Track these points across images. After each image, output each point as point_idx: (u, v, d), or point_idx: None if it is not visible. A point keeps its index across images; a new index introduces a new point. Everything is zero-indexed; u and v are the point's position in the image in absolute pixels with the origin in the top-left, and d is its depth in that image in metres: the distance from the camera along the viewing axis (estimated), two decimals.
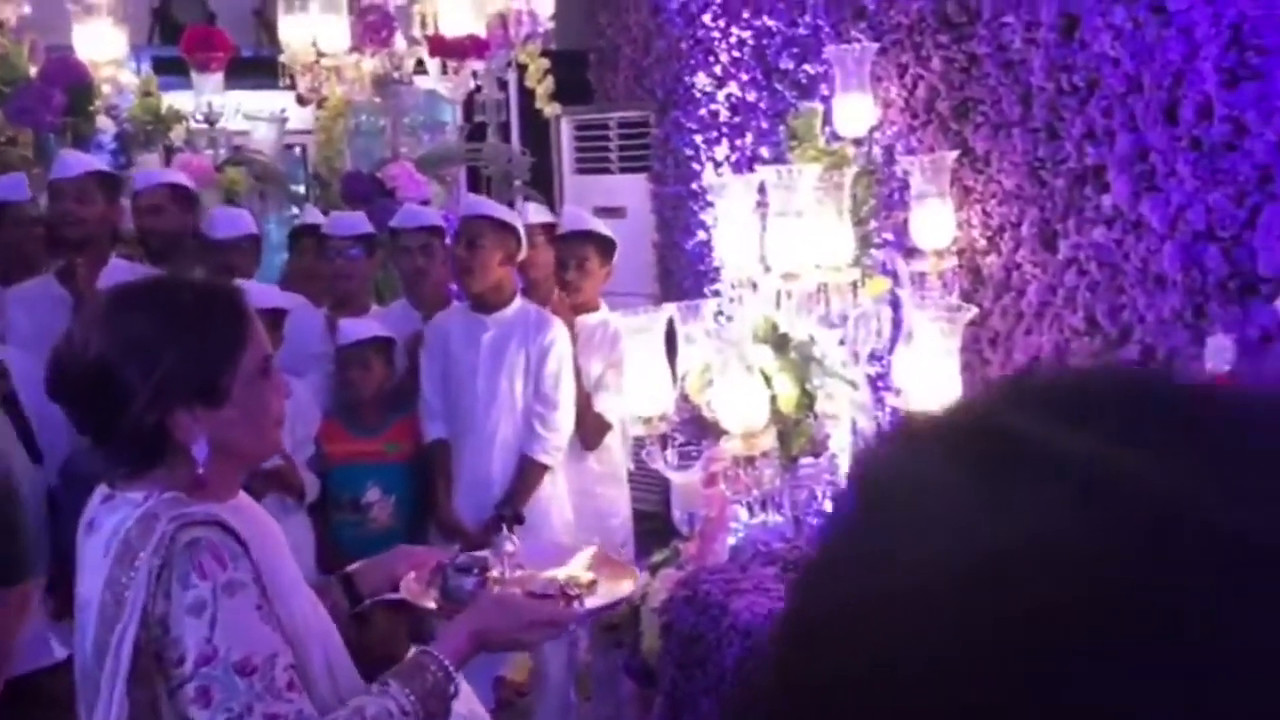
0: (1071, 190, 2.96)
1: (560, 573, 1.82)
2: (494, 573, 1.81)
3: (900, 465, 0.42)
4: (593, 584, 1.81)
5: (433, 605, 1.77)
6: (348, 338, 3.41)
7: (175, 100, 4.38)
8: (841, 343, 3.12)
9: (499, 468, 3.35)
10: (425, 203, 4.22)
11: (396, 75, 4.49)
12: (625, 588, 1.87)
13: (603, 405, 3.48)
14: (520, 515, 3.12)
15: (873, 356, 3.22)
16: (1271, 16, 2.43)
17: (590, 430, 3.47)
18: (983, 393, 0.50)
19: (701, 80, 4.60)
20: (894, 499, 0.41)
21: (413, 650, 1.63)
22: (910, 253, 3.23)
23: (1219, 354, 2.07)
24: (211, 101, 4.35)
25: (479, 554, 1.87)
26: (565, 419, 3.38)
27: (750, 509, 3.08)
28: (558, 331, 3.38)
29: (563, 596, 1.75)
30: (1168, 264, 2.69)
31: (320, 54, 4.30)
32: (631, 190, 5.23)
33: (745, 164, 4.30)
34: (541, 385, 3.36)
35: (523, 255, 3.46)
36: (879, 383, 3.27)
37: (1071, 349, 3.02)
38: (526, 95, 4.89)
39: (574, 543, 2.50)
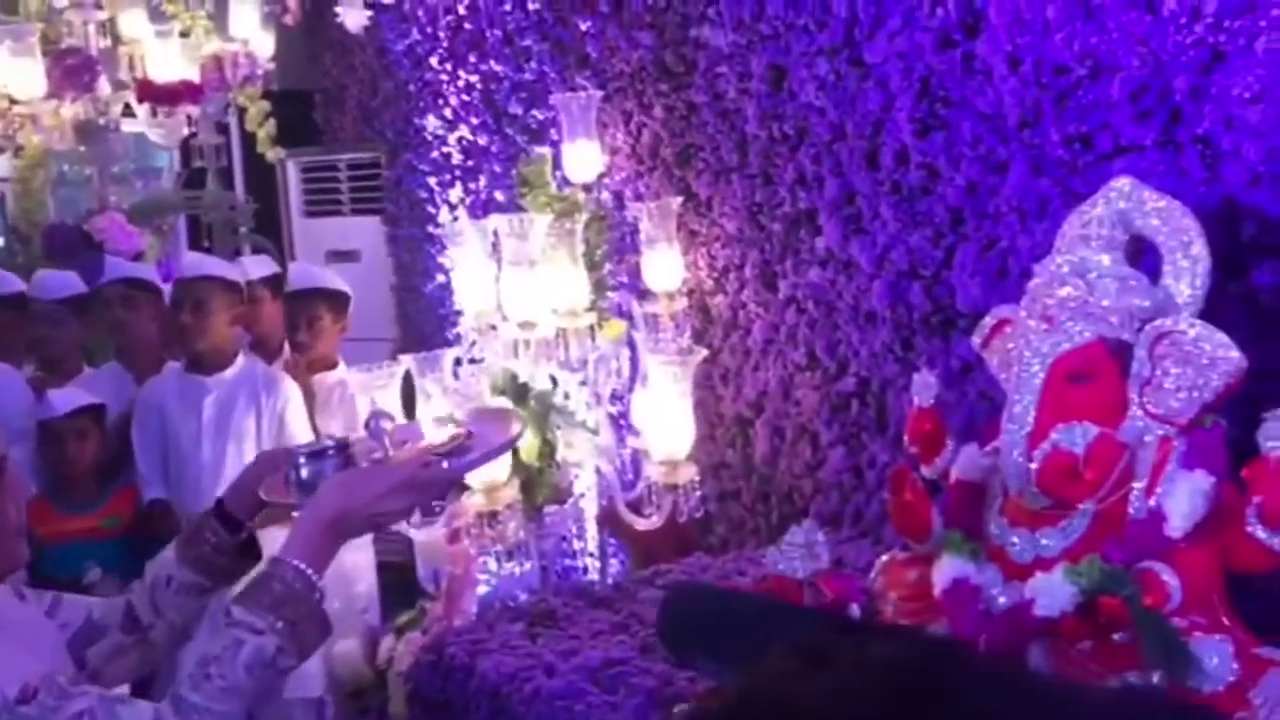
0: (788, 233, 3.10)
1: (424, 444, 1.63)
2: (378, 455, 1.58)
3: None
4: (470, 436, 1.61)
5: (293, 501, 1.55)
6: (60, 409, 3.18)
7: None
8: (584, 383, 3.15)
9: None
10: (138, 255, 3.99)
11: (102, 121, 4.23)
12: (516, 428, 1.71)
13: None
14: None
15: (614, 397, 3.26)
16: (954, 71, 2.62)
17: None
18: None
19: (432, 123, 4.55)
20: None
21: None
22: (644, 295, 3.31)
23: (924, 390, 2.20)
24: None
25: (338, 436, 1.66)
26: None
27: (498, 559, 3.06)
28: (290, 391, 3.26)
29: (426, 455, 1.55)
30: (877, 301, 2.86)
31: (12, 100, 4.00)
32: (365, 232, 5.12)
33: (481, 207, 4.29)
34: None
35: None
36: (621, 421, 3.32)
37: (795, 383, 3.16)
38: (248, 138, 4.71)
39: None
